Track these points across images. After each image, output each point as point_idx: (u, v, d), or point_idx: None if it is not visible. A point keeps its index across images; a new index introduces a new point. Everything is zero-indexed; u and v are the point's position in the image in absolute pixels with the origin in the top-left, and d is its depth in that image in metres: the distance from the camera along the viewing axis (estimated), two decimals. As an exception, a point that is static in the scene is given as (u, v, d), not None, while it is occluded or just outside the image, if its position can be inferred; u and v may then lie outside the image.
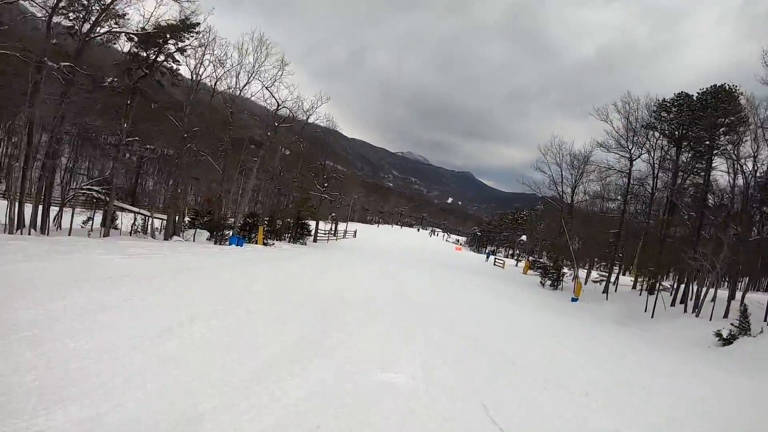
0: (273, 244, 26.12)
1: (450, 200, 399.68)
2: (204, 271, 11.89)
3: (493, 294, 20.70)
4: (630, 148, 28.14)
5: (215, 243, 23.12)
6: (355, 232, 51.62)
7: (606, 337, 14.57)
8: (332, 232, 44.75)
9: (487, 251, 45.32)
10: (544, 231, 41.19)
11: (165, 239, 21.15)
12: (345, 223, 53.10)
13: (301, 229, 31.01)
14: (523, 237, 43.01)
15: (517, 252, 49.73)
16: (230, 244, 21.91)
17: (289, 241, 30.72)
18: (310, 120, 31.06)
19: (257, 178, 28.91)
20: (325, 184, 34.55)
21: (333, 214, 51.88)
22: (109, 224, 19.09)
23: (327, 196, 34.55)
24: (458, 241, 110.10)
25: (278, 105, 25.79)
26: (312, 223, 34.11)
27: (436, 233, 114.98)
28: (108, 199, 19.12)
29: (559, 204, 35.71)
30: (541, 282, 29.47)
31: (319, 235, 37.24)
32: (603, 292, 26.84)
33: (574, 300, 24.35)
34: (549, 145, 35.28)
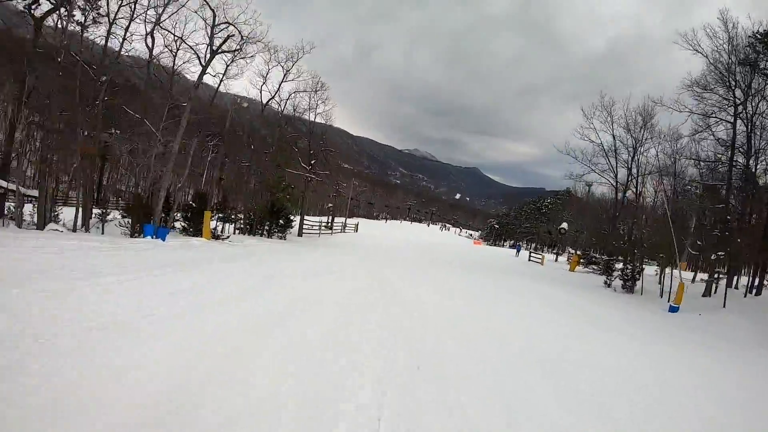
0: (227, 237, 18.04)
1: (458, 196, 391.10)
2: None
3: (555, 307, 12.45)
4: (733, 85, 19.32)
5: (133, 234, 15.16)
6: (357, 225, 43.50)
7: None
8: (328, 226, 36.69)
9: (516, 245, 36.85)
10: (591, 219, 32.55)
11: (38, 229, 13.23)
12: (344, 217, 44.96)
13: (276, 219, 22.88)
14: (564, 225, 34.67)
15: (556, 245, 40.82)
16: (146, 236, 13.86)
17: (262, 235, 22.67)
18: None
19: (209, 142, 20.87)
20: (312, 162, 26.36)
21: (330, 205, 43.70)
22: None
23: (314, 176, 26.34)
24: (471, 235, 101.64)
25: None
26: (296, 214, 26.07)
27: (447, 228, 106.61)
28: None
29: (612, 182, 27.22)
30: (606, 282, 21.08)
31: (307, 227, 29.17)
32: (704, 296, 18.33)
33: (673, 309, 15.89)
34: (596, 105, 26.82)
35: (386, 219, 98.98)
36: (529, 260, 30.93)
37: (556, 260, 32.05)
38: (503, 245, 68.47)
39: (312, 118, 26.11)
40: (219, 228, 19.04)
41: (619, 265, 21.44)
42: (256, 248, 17.02)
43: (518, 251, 35.54)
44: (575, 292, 18.98)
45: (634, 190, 25.77)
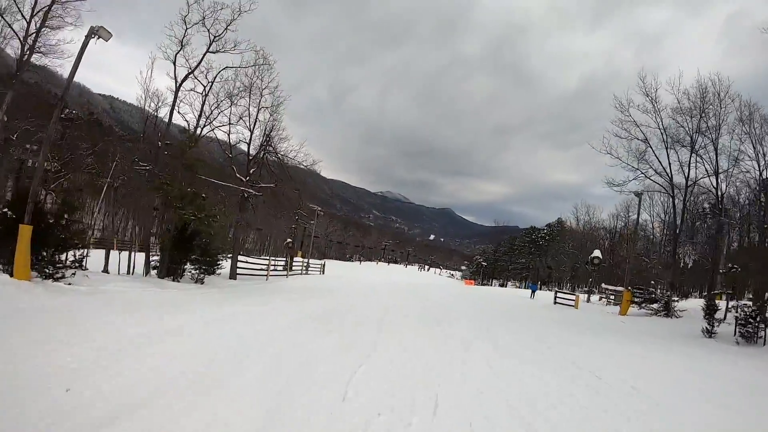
0: (66, 276, 9.30)
1: (432, 237, 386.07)
2: None
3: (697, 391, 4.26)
4: None
5: None
6: (323, 266, 34.62)
7: None
8: (285, 266, 27.83)
9: (531, 285, 28.69)
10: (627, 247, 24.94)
11: None
12: (305, 257, 36.15)
13: (186, 250, 14.09)
14: (597, 254, 26.92)
15: (590, 283, 32.08)
16: None
17: (164, 277, 13.75)
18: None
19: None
20: (251, 171, 17.94)
21: (288, 241, 34.85)
22: None
23: (252, 191, 17.75)
24: (453, 275, 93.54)
25: None
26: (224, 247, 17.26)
27: (426, 268, 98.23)
28: None
29: (668, 190, 19.89)
30: (706, 330, 13.12)
31: (247, 266, 20.30)
32: None
33: None
34: (644, 86, 19.97)
35: (360, 260, 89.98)
36: (555, 303, 22.74)
37: (588, 300, 24.09)
38: (493, 284, 60.74)
39: (252, 107, 17.91)
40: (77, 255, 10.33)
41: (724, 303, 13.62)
42: (116, 301, 8.26)
43: (534, 292, 27.65)
44: (679, 350, 10.95)
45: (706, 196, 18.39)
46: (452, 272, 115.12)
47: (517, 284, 62.21)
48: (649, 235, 51.02)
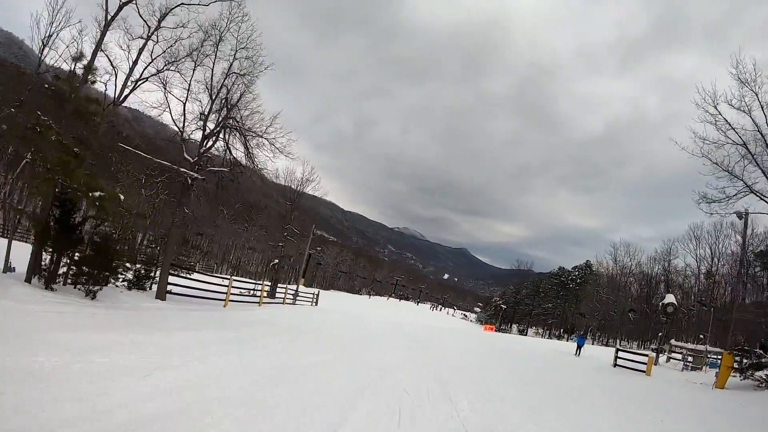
0: None
1: (446, 276, 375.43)
2: None
3: None
4: None
5: None
6: (316, 296, 28.97)
7: None
8: (269, 291, 22.54)
9: (578, 337, 22.12)
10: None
11: None
12: (306, 285, 30.77)
13: (74, 245, 9.02)
14: (671, 299, 20.56)
15: (659, 339, 24.54)
16: None
17: (32, 279, 8.61)
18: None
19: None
20: (204, 148, 12.98)
21: (275, 262, 29.52)
22: None
23: (195, 174, 12.64)
24: (466, 316, 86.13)
25: None
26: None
27: (438, 308, 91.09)
28: None
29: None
30: None
31: (204, 287, 15.02)
32: None
33: None
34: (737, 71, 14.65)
35: (370, 294, 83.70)
36: (615, 365, 16.54)
37: (656, 362, 17.72)
38: (512, 329, 53.56)
39: (217, 65, 13.14)
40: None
41: None
42: None
43: (581, 347, 21.20)
44: None
45: None
46: (465, 313, 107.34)
47: (540, 331, 54.75)
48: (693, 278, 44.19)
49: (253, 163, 13.38)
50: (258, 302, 19.10)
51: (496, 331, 39.66)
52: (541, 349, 21.99)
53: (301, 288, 28.44)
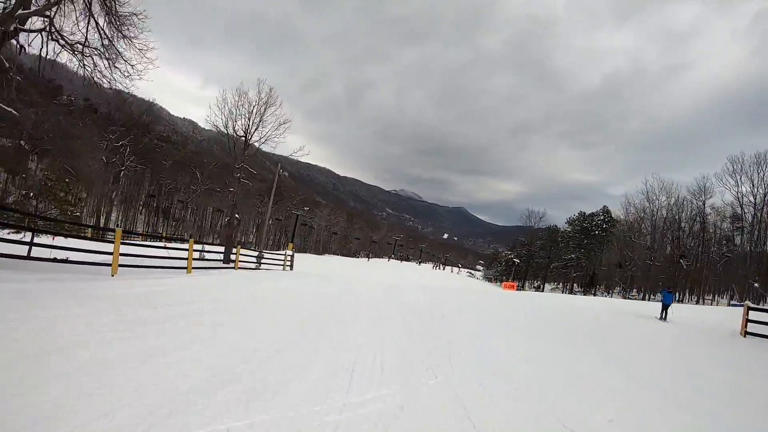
0: None
1: (446, 236, 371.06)
2: None
3: None
4: None
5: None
6: (290, 258, 22.04)
7: None
8: (230, 255, 15.60)
9: (664, 293, 15.23)
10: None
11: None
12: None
13: None
14: None
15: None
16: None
17: None
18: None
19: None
20: None
21: (228, 219, 22.19)
22: None
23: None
24: (472, 274, 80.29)
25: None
26: None
27: (441, 267, 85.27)
28: None
29: None
30: None
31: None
32: None
33: None
34: None
35: (368, 257, 77.46)
36: (746, 334, 9.88)
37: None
38: (526, 287, 47.39)
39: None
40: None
41: None
42: None
43: (667, 306, 14.57)
44: None
45: None
46: (470, 271, 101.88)
47: (559, 286, 48.63)
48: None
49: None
50: (186, 269, 12.11)
51: (517, 289, 33.41)
52: (603, 312, 15.28)
53: (284, 251, 21.56)
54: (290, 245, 51.47)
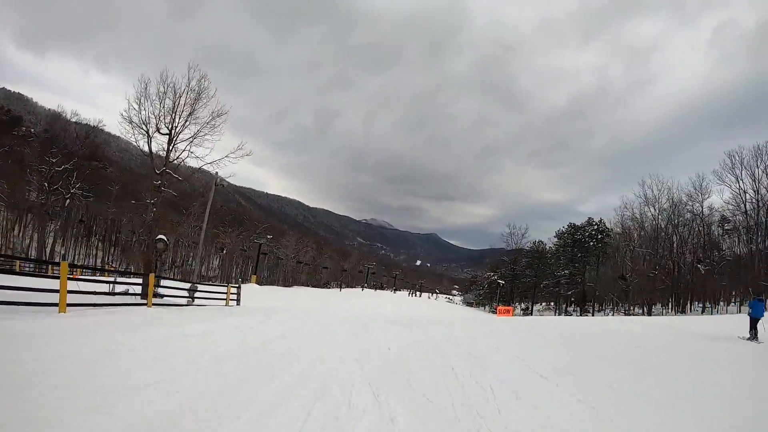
0: None
1: (419, 263, 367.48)
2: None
3: None
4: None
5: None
6: (238, 291, 16.99)
7: None
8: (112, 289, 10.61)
9: (754, 302, 11.19)
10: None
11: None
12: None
13: None
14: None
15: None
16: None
17: None
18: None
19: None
20: None
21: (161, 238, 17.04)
22: None
23: None
24: (451, 299, 76.04)
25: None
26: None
27: (417, 294, 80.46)
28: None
29: None
30: None
31: None
32: None
33: None
34: None
35: (340, 286, 71.90)
36: None
37: None
38: (526, 310, 43.05)
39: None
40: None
41: None
42: None
43: (758, 319, 10.56)
44: None
45: None
46: (448, 296, 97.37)
47: (550, 306, 44.67)
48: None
49: None
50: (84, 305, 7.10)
51: (513, 314, 29.08)
52: (658, 337, 11.15)
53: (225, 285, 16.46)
54: (253, 277, 45.72)
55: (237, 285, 17.53)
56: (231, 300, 16.39)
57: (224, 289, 16.29)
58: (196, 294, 14.50)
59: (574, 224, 44.50)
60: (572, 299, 40.74)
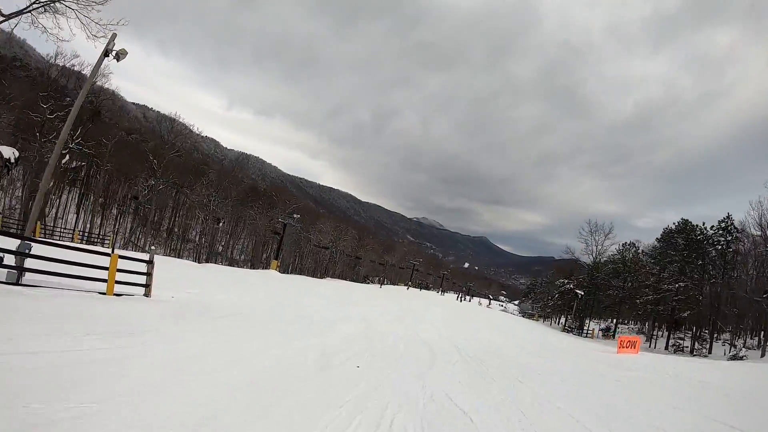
0: None
1: (467, 265, 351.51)
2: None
3: None
4: None
5: None
6: (149, 269, 9.46)
7: None
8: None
9: None
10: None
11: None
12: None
13: None
14: None
15: None
16: None
17: None
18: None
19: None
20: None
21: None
22: None
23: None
24: (505, 307, 65.70)
25: None
26: None
27: (467, 298, 70.81)
28: None
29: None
30: None
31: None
32: None
33: None
34: None
35: (381, 283, 64.05)
36: None
37: None
38: (593, 332, 32.25)
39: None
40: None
41: None
42: None
43: None
44: None
45: None
46: (500, 303, 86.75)
47: (644, 329, 33.12)
48: None
49: None
50: None
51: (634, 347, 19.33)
52: None
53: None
54: (274, 263, 38.91)
55: (149, 259, 9.54)
56: (139, 285, 8.75)
57: (107, 262, 8.40)
58: (31, 261, 7.00)
59: (688, 221, 32.10)
60: (674, 323, 29.12)
